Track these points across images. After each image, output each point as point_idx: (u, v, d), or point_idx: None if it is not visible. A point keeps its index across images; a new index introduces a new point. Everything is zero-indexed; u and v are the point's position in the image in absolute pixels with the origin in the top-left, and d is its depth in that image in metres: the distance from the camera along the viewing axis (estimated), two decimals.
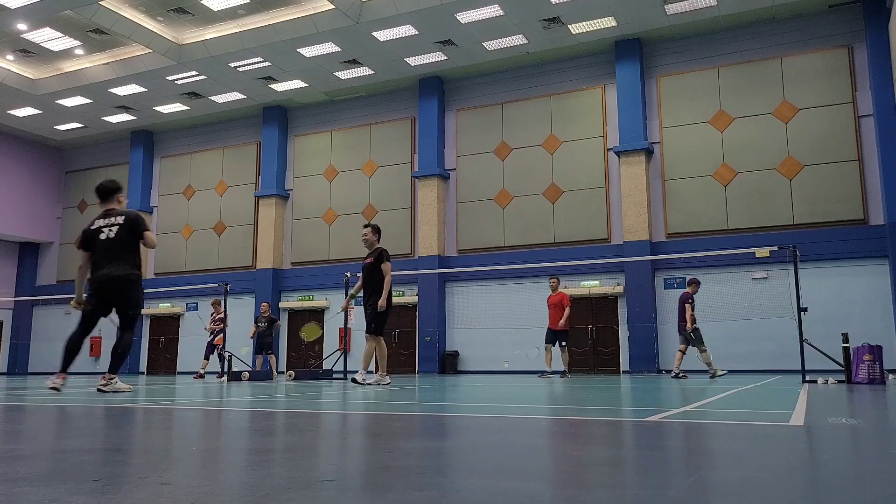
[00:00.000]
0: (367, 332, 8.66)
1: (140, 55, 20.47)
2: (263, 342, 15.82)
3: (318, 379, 12.56)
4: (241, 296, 21.97)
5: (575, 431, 2.99)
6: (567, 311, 13.00)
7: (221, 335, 15.38)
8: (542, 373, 13.18)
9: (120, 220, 6.80)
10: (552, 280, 13.52)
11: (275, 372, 15.50)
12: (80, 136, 26.64)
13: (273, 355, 15.92)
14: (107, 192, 7.00)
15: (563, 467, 1.97)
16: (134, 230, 6.78)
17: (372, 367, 8.90)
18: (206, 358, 15.63)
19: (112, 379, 6.65)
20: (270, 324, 15.95)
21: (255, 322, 16.30)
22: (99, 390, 6.54)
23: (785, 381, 9.99)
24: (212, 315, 16.21)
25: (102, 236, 6.75)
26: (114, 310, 6.80)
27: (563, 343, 12.97)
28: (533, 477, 1.78)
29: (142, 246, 6.87)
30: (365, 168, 22.16)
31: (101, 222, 6.86)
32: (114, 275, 6.64)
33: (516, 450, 2.38)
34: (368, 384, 8.42)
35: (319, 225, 22.52)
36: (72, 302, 6.93)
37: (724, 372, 12.66)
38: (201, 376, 15.04)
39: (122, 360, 6.62)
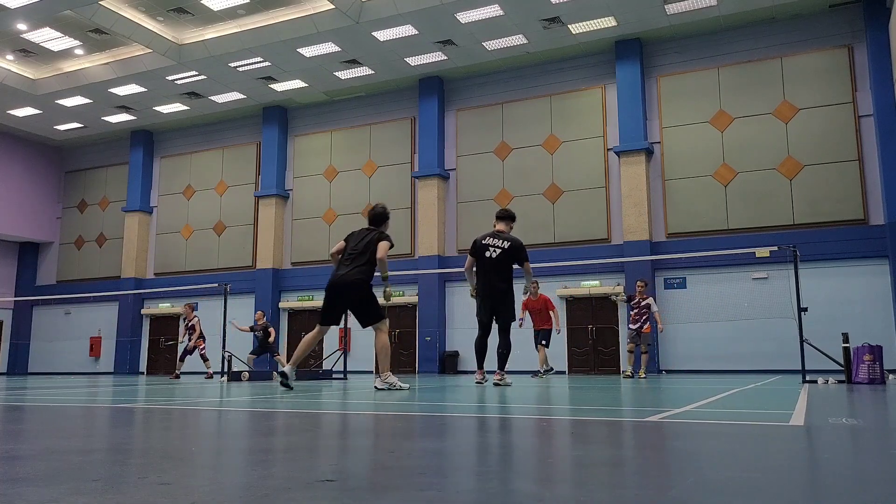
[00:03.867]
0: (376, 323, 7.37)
1: (140, 55, 20.47)
2: (265, 348, 15.78)
3: (318, 379, 12.56)
4: (241, 296, 21.97)
5: (575, 431, 2.99)
6: (556, 312, 13.12)
7: (201, 339, 15.23)
8: (535, 373, 13.19)
9: (505, 245, 8.22)
10: (533, 283, 13.04)
11: (275, 372, 15.43)
12: (80, 136, 26.64)
13: (279, 355, 15.95)
14: (503, 217, 8.53)
15: (563, 467, 1.97)
16: (516, 256, 8.22)
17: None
18: (182, 360, 15.50)
19: (502, 377, 8.06)
20: (265, 330, 15.86)
21: (252, 329, 16.16)
22: (495, 384, 7.90)
23: (785, 381, 9.99)
24: (184, 319, 15.90)
25: (488, 254, 8.20)
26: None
27: (544, 342, 13.00)
28: (533, 477, 1.78)
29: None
30: (365, 168, 22.17)
31: (489, 241, 8.28)
32: (497, 289, 8.19)
33: (516, 450, 2.38)
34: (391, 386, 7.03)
35: (319, 225, 22.52)
36: (471, 292, 8.63)
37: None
38: (177, 377, 14.87)
39: (504, 359, 8.19)
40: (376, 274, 7.29)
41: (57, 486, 1.59)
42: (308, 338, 7.18)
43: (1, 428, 3.35)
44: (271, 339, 15.92)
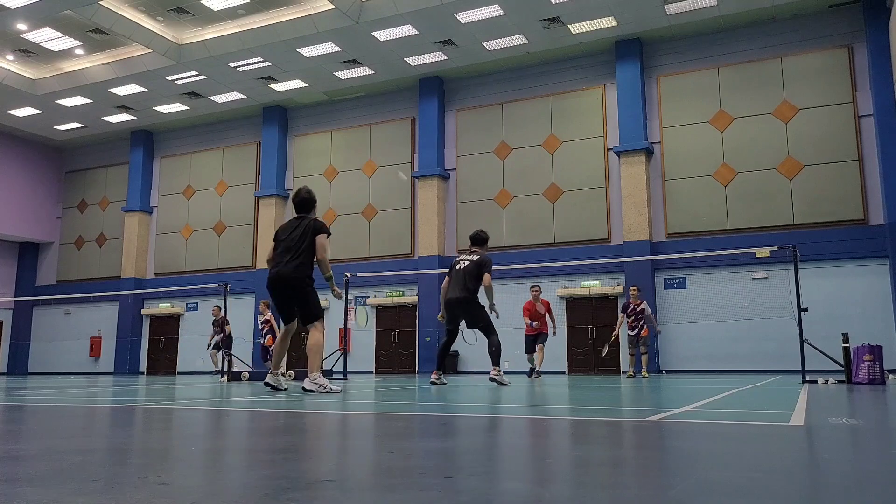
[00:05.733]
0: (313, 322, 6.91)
1: (140, 55, 20.47)
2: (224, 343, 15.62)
3: None
4: (241, 296, 21.97)
5: (575, 431, 2.99)
6: (553, 316, 13.24)
7: (271, 336, 15.32)
8: (537, 372, 13.20)
9: (474, 258, 8.79)
10: (535, 288, 13.17)
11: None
12: (80, 136, 26.64)
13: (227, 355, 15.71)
14: (476, 240, 9.06)
15: (563, 467, 1.97)
16: (479, 270, 8.62)
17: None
18: (266, 359, 15.50)
19: (499, 373, 8.28)
20: (222, 325, 15.69)
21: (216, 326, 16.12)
22: (491, 380, 8.28)
23: (785, 381, 9.99)
24: (260, 317, 15.99)
25: (458, 266, 8.78)
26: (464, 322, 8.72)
27: (542, 343, 13.08)
28: (533, 477, 1.78)
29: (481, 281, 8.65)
30: (365, 168, 22.17)
31: (462, 257, 8.94)
32: (457, 297, 8.57)
33: (516, 450, 2.38)
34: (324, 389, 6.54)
35: None
36: (439, 316, 9.00)
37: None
38: (291, 376, 14.59)
39: (496, 356, 8.40)
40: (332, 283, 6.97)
41: (57, 486, 1.59)
42: (279, 340, 7.13)
43: (1, 428, 3.35)
44: (227, 333, 15.56)
